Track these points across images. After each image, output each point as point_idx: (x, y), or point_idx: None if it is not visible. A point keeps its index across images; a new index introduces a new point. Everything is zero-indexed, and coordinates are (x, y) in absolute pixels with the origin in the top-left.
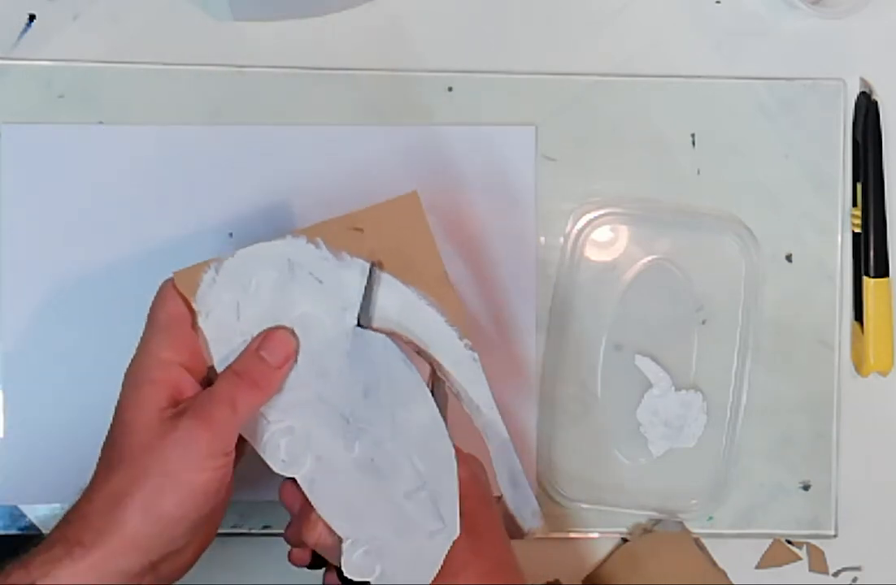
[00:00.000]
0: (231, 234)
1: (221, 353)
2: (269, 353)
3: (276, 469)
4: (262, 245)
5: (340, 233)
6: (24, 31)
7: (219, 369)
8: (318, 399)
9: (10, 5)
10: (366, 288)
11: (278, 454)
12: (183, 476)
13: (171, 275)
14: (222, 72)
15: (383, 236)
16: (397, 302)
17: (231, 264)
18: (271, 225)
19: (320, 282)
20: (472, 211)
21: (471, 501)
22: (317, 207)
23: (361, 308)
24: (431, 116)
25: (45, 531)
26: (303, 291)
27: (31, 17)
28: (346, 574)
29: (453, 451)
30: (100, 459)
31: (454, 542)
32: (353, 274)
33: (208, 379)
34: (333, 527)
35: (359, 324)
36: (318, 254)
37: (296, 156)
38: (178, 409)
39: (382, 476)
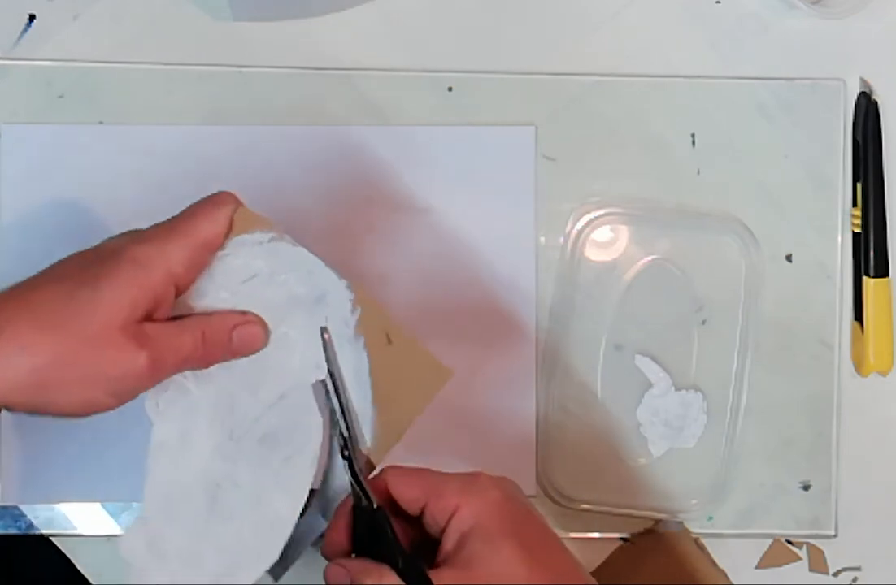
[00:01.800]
0: None
1: (200, 290)
2: (239, 339)
3: (146, 404)
4: (321, 264)
5: (375, 329)
6: (24, 31)
7: (191, 300)
8: (228, 399)
9: (10, 5)
10: (325, 349)
11: (158, 396)
12: (99, 394)
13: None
14: (222, 72)
15: (400, 366)
16: (354, 401)
17: (284, 249)
18: None
19: (325, 331)
20: (472, 211)
21: (516, 516)
22: (317, 207)
23: (331, 373)
24: (431, 116)
25: (44, 531)
26: (307, 323)
27: (31, 17)
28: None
29: (276, 558)
30: (50, 276)
31: (502, 560)
32: (352, 358)
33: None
34: (145, 496)
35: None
36: (346, 317)
37: (296, 156)
38: (143, 332)
39: (212, 512)
